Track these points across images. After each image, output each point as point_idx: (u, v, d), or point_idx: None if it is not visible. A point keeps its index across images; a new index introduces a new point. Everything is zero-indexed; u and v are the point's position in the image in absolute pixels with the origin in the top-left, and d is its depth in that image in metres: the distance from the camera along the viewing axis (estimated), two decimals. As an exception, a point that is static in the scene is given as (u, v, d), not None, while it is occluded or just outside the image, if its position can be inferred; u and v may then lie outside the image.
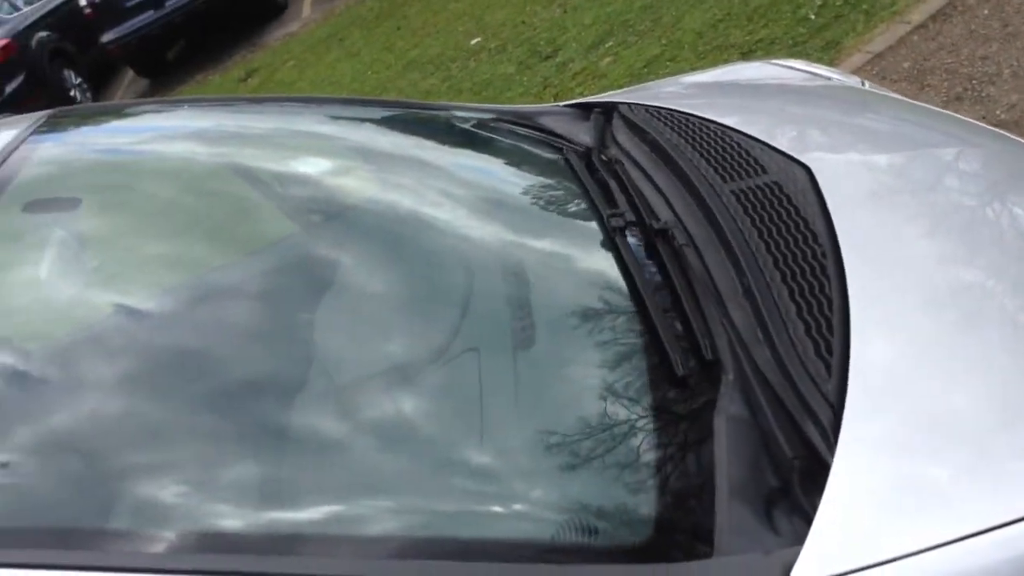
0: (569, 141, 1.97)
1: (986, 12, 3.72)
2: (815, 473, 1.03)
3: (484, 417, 1.26)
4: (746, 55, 4.24)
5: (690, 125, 1.80)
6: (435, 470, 1.21)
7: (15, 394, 1.29)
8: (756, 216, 1.44)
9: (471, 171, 1.98)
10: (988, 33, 3.62)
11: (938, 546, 0.94)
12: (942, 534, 0.95)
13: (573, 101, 2.25)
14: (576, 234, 1.68)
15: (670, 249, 1.45)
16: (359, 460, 1.24)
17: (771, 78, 2.25)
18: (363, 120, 2.21)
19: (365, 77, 7.10)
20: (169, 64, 10.57)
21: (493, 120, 2.13)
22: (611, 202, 1.61)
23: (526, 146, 2.03)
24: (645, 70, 4.69)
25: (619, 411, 1.24)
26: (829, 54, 3.92)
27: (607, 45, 5.25)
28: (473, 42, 6.50)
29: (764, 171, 1.56)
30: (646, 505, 1.13)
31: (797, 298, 1.26)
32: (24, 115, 1.97)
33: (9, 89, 9.09)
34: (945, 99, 3.41)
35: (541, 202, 1.80)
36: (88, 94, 10.26)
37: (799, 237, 1.37)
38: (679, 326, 1.31)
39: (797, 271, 1.30)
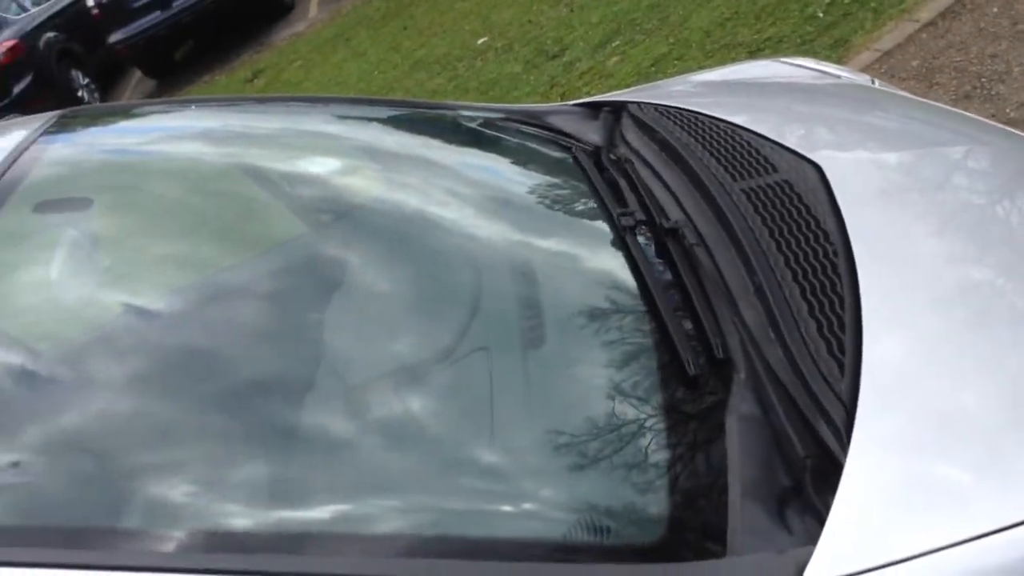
0: (578, 140, 1.97)
1: (995, 10, 3.71)
2: (828, 472, 1.03)
3: (495, 416, 1.26)
4: (754, 53, 4.23)
5: (700, 124, 1.79)
6: (446, 469, 1.21)
7: (28, 393, 1.29)
8: (767, 215, 1.43)
9: (480, 170, 1.98)
10: (997, 31, 3.60)
11: (951, 545, 0.94)
12: (955, 533, 0.95)
13: (582, 100, 2.24)
14: (586, 233, 1.67)
15: (680, 248, 1.44)
16: (370, 459, 1.24)
17: (780, 76, 2.24)
18: (372, 120, 2.21)
19: (372, 77, 7.11)
20: (176, 64, 10.59)
21: (502, 119, 2.13)
22: (621, 201, 1.61)
23: (535, 145, 2.03)
24: (652, 69, 4.69)
25: (630, 410, 1.24)
26: (837, 52, 3.91)
27: (614, 44, 5.24)
28: (480, 41, 6.50)
29: (774, 170, 1.55)
30: (658, 504, 1.13)
31: (809, 297, 1.25)
32: (34, 116, 1.97)
33: (17, 90, 9.13)
34: (954, 97, 3.40)
35: (550, 201, 1.80)
36: (96, 95, 10.29)
37: (810, 235, 1.36)
38: (690, 325, 1.31)
39: (808, 270, 1.30)
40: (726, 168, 1.58)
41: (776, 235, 1.38)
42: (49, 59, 9.58)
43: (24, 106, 8.55)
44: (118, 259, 1.64)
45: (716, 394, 1.20)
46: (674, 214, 1.54)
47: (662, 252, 1.47)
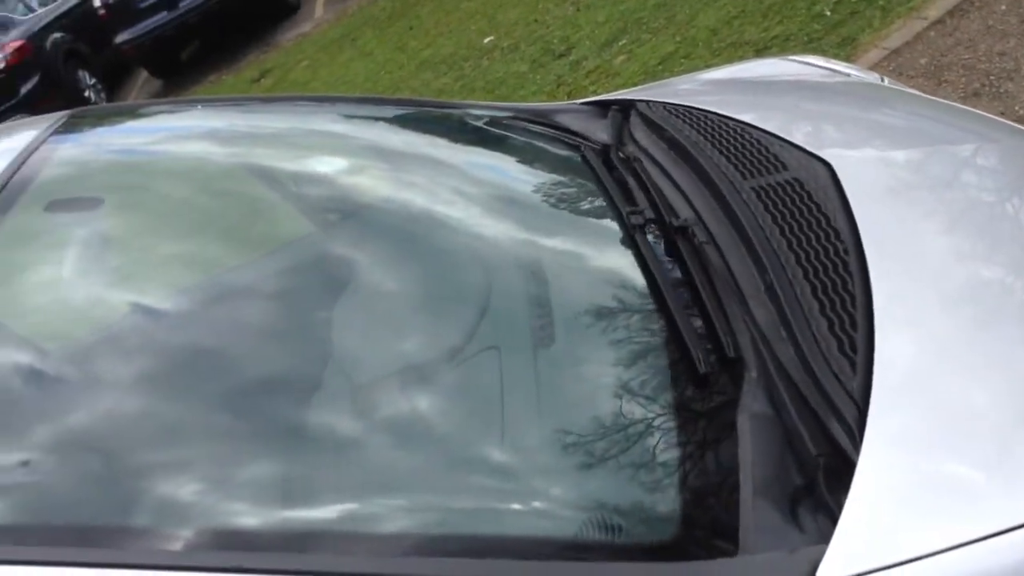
0: (587, 139, 1.97)
1: (1004, 8, 3.70)
2: (840, 471, 1.03)
3: (506, 415, 1.26)
4: (761, 52, 4.22)
5: (709, 122, 1.79)
6: (458, 468, 1.21)
7: (41, 392, 1.30)
8: (777, 213, 1.43)
9: (489, 169, 1.98)
10: (1006, 29, 3.59)
11: (964, 544, 0.94)
12: (968, 532, 0.95)
13: (590, 99, 2.24)
14: (595, 232, 1.67)
15: (690, 246, 1.44)
16: (382, 458, 1.24)
17: (789, 74, 2.23)
18: (381, 119, 2.21)
19: (378, 77, 7.11)
20: (183, 65, 10.61)
21: (511, 118, 2.13)
22: (630, 200, 1.61)
23: (544, 144, 2.03)
24: (659, 67, 4.68)
25: (641, 409, 1.24)
26: (845, 50, 3.90)
27: (621, 43, 5.23)
28: (486, 41, 6.49)
29: (785, 168, 1.55)
30: (670, 503, 1.13)
31: (820, 295, 1.25)
32: (43, 116, 1.98)
33: (24, 90, 9.15)
34: (963, 95, 3.39)
35: (560, 200, 1.80)
36: (102, 95, 10.31)
37: (821, 234, 1.36)
38: (700, 324, 1.31)
39: (819, 268, 1.30)
40: (736, 166, 1.58)
41: (787, 233, 1.38)
42: (56, 59, 9.60)
43: (31, 106, 8.58)
44: (129, 258, 1.64)
45: (727, 393, 1.20)
46: (684, 212, 1.54)
47: (672, 250, 1.47)
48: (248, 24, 10.04)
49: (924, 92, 2.81)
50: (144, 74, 10.91)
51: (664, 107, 1.94)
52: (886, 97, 2.01)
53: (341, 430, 1.30)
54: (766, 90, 2.14)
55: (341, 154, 1.96)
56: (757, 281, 1.33)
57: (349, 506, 1.18)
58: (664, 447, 1.18)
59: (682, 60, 4.63)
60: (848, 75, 2.17)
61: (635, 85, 3.72)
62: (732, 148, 1.65)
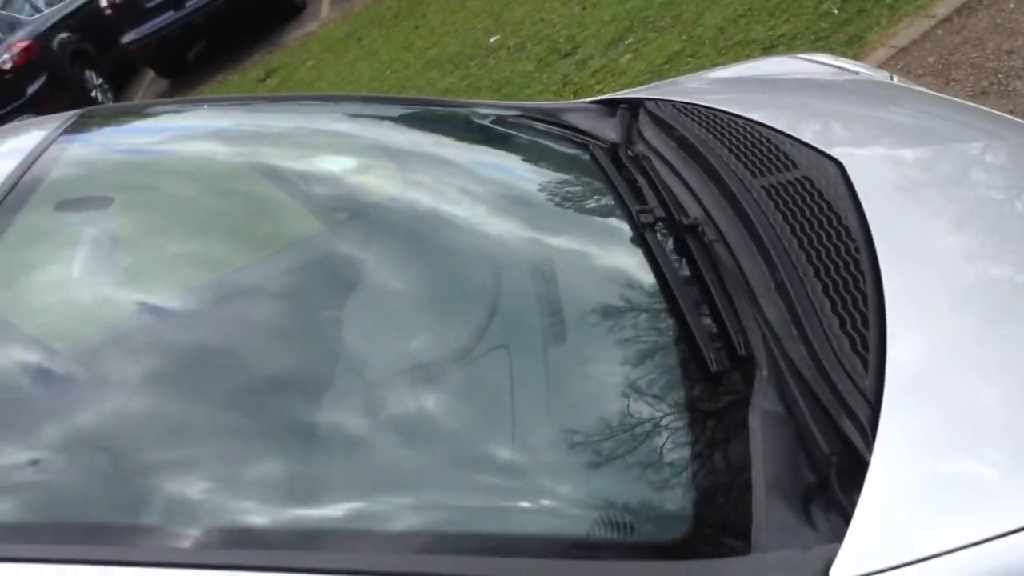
0: (596, 138, 1.96)
1: (1012, 6, 3.69)
2: (853, 470, 1.03)
3: (517, 414, 1.26)
4: (767, 50, 4.21)
5: (718, 120, 1.79)
6: (469, 466, 1.21)
7: (52, 391, 1.30)
8: (788, 211, 1.43)
9: (499, 169, 1.98)
10: (1014, 27, 3.58)
11: (979, 543, 0.93)
12: (983, 531, 0.94)
13: (599, 97, 2.24)
14: (605, 231, 1.67)
15: (700, 245, 1.44)
16: (397, 457, 1.24)
17: (798, 73, 2.23)
18: (390, 119, 2.21)
19: (384, 76, 7.11)
20: (189, 64, 10.62)
21: (519, 117, 2.13)
22: (640, 198, 1.61)
23: (553, 143, 2.03)
24: (666, 66, 4.67)
25: (653, 408, 1.23)
26: (852, 49, 3.89)
27: (627, 42, 5.23)
28: (492, 40, 6.49)
29: (795, 166, 1.55)
30: (682, 502, 1.12)
31: (831, 293, 1.25)
32: (52, 116, 1.98)
33: (31, 90, 9.17)
34: (971, 93, 3.38)
35: (569, 199, 1.80)
36: (109, 95, 10.32)
37: (832, 232, 1.36)
38: (711, 322, 1.31)
39: (831, 266, 1.29)
40: (746, 165, 1.58)
41: (797, 231, 1.38)
42: (63, 60, 9.62)
43: (38, 106, 8.59)
44: (140, 257, 1.64)
45: (739, 391, 1.20)
46: (694, 211, 1.54)
47: (682, 249, 1.46)
48: (254, 24, 10.06)
49: (932, 91, 2.81)
50: (150, 74, 10.93)
51: (673, 105, 1.93)
52: (895, 95, 2.01)
53: (352, 428, 1.30)
54: (775, 88, 2.13)
55: (352, 153, 1.97)
56: (768, 279, 1.33)
57: (361, 504, 1.18)
58: (676, 446, 1.18)
59: (688, 59, 4.62)
60: (857, 73, 2.16)
61: (641, 84, 3.71)
62: (742, 146, 1.65)
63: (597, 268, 1.58)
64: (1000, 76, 3.39)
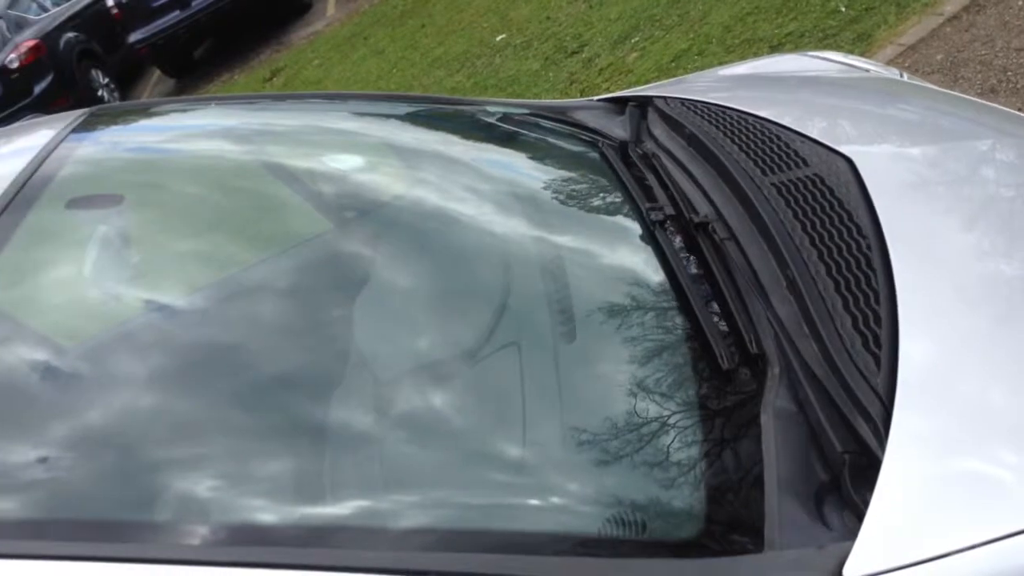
0: (605, 135, 1.96)
1: (1021, 3, 3.67)
2: (866, 468, 1.02)
3: (529, 412, 1.25)
4: (775, 49, 4.21)
5: (728, 118, 1.78)
6: (482, 464, 1.21)
7: (62, 389, 1.30)
8: (799, 209, 1.42)
9: (508, 167, 1.98)
10: (1023, 24, 3.57)
11: (993, 541, 0.93)
12: (997, 529, 0.94)
13: (607, 95, 2.24)
14: (616, 229, 1.67)
15: (711, 243, 1.43)
16: (415, 454, 1.24)
17: (808, 70, 2.22)
18: (400, 117, 2.21)
19: (390, 75, 7.12)
20: (195, 64, 10.64)
21: (528, 115, 2.13)
22: (650, 196, 1.61)
23: (562, 141, 2.03)
24: (672, 65, 4.67)
25: (664, 406, 1.23)
26: (860, 47, 3.88)
27: (633, 40, 5.22)
28: (498, 39, 6.49)
29: (805, 163, 1.54)
30: (696, 500, 1.12)
31: (843, 291, 1.24)
32: (60, 114, 1.99)
33: (38, 89, 9.18)
34: (979, 91, 3.36)
35: (579, 197, 1.80)
36: (115, 94, 10.34)
37: (843, 230, 1.35)
38: (723, 320, 1.30)
39: (842, 264, 1.29)
40: (756, 162, 1.57)
41: (809, 229, 1.37)
42: (70, 59, 9.64)
43: (45, 106, 8.61)
44: (152, 255, 1.65)
45: (751, 389, 1.20)
46: (704, 209, 1.53)
47: (692, 247, 1.46)
48: (260, 23, 10.07)
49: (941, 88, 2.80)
50: (157, 73, 10.95)
51: (682, 103, 1.93)
52: (906, 92, 2.00)
53: (363, 426, 1.30)
54: (785, 86, 2.13)
55: (362, 152, 1.97)
56: (779, 277, 1.33)
57: (372, 501, 1.18)
58: (689, 443, 1.17)
59: (695, 57, 4.61)
60: (867, 71, 2.16)
61: (648, 82, 3.71)
62: (752, 144, 1.64)
63: (607, 266, 1.57)
64: (1009, 73, 3.38)
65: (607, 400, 1.28)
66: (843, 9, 4.21)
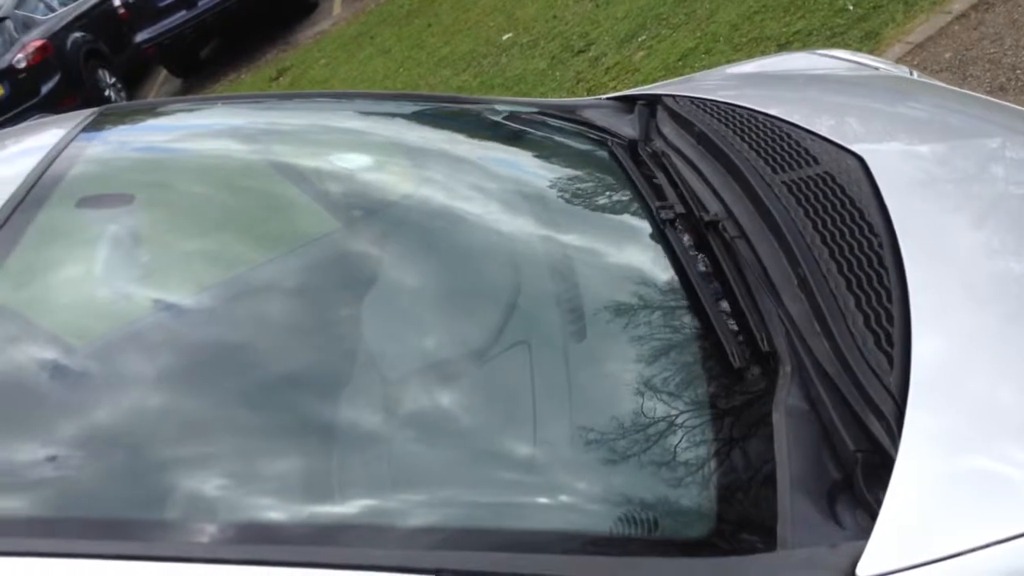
0: (614, 134, 1.96)
1: (1030, 0, 3.66)
2: (879, 466, 1.02)
3: (539, 411, 1.25)
4: (783, 47, 4.20)
5: (737, 116, 1.78)
6: (490, 462, 1.21)
7: (72, 388, 1.30)
8: (809, 207, 1.42)
9: (517, 165, 1.97)
10: (1032, 22, 3.56)
11: (1007, 540, 0.93)
12: (1011, 528, 0.94)
13: (616, 94, 2.23)
14: (626, 227, 1.67)
15: (722, 241, 1.43)
16: (426, 453, 1.24)
17: (817, 68, 2.22)
18: (407, 116, 2.21)
19: (397, 75, 7.12)
20: (202, 63, 10.66)
21: (537, 114, 2.13)
22: (660, 195, 1.60)
23: (571, 140, 2.03)
24: (680, 63, 4.66)
25: (676, 405, 1.23)
26: (868, 45, 3.87)
27: (640, 39, 5.22)
28: (504, 38, 6.49)
29: (816, 162, 1.54)
30: (708, 499, 1.12)
31: (855, 289, 1.24)
32: (69, 114, 1.99)
33: (45, 89, 9.20)
34: (988, 89, 3.35)
35: (588, 196, 1.79)
36: (122, 94, 10.36)
37: (855, 228, 1.35)
38: (734, 318, 1.30)
39: (854, 262, 1.29)
40: (766, 160, 1.57)
41: (820, 227, 1.37)
42: (77, 59, 9.66)
43: (52, 106, 8.62)
44: (161, 254, 1.65)
45: (762, 387, 1.19)
46: (714, 207, 1.53)
47: (703, 245, 1.46)
48: (266, 23, 10.09)
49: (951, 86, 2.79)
50: (163, 73, 10.97)
51: (691, 101, 1.93)
52: (915, 90, 2.00)
53: (372, 425, 1.30)
54: (793, 84, 2.12)
55: (370, 151, 1.97)
56: (790, 275, 1.32)
57: (381, 500, 1.18)
58: (700, 442, 1.17)
59: (703, 56, 4.61)
60: (876, 68, 2.15)
61: (655, 81, 3.71)
62: (762, 142, 1.64)
63: (617, 265, 1.57)
64: (1018, 72, 3.37)
65: (617, 399, 1.27)
66: (851, 7, 4.20)
